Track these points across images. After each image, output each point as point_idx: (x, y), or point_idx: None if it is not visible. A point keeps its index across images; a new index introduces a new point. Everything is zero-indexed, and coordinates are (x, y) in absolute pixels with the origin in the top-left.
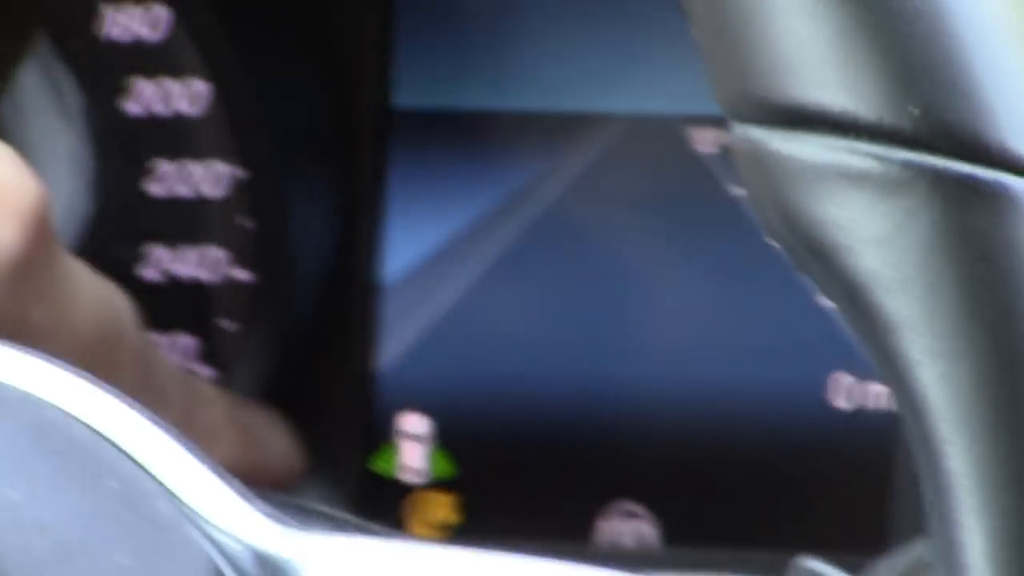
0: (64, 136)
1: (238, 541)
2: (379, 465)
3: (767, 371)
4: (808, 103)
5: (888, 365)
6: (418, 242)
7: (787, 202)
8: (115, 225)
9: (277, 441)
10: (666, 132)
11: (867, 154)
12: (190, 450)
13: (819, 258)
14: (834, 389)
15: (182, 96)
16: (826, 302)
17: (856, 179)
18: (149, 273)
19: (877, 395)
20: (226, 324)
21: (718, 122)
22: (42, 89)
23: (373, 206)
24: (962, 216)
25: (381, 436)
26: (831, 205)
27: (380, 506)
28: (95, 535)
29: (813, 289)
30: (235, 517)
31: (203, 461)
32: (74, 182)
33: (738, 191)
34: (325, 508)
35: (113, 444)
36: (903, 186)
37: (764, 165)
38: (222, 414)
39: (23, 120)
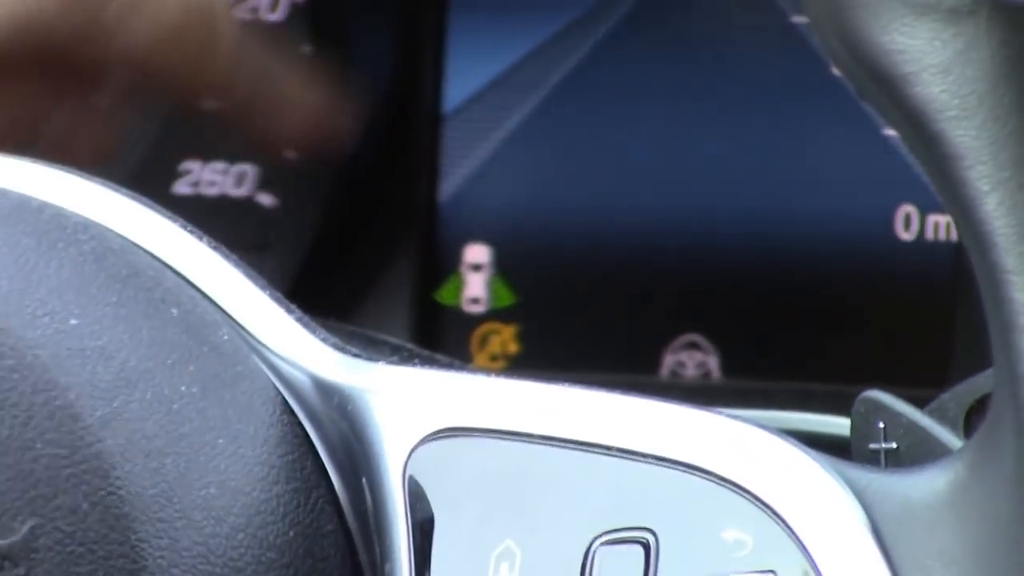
0: None
1: (302, 370)
2: (444, 296)
3: (833, 203)
4: None
5: (952, 195)
6: (479, 70)
7: (851, 30)
8: None
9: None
10: None
11: None
12: (252, 279)
13: (883, 87)
14: (899, 221)
15: None
16: (891, 134)
17: (919, 7)
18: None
19: (941, 227)
20: (286, 152)
21: None
22: None
23: (435, 34)
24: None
25: (446, 267)
26: (895, 33)
27: (443, 336)
28: (158, 363)
29: (879, 121)
30: (299, 346)
31: (265, 289)
32: None
33: (799, 19)
34: (389, 338)
35: (176, 272)
36: (965, 14)
37: None
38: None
39: None
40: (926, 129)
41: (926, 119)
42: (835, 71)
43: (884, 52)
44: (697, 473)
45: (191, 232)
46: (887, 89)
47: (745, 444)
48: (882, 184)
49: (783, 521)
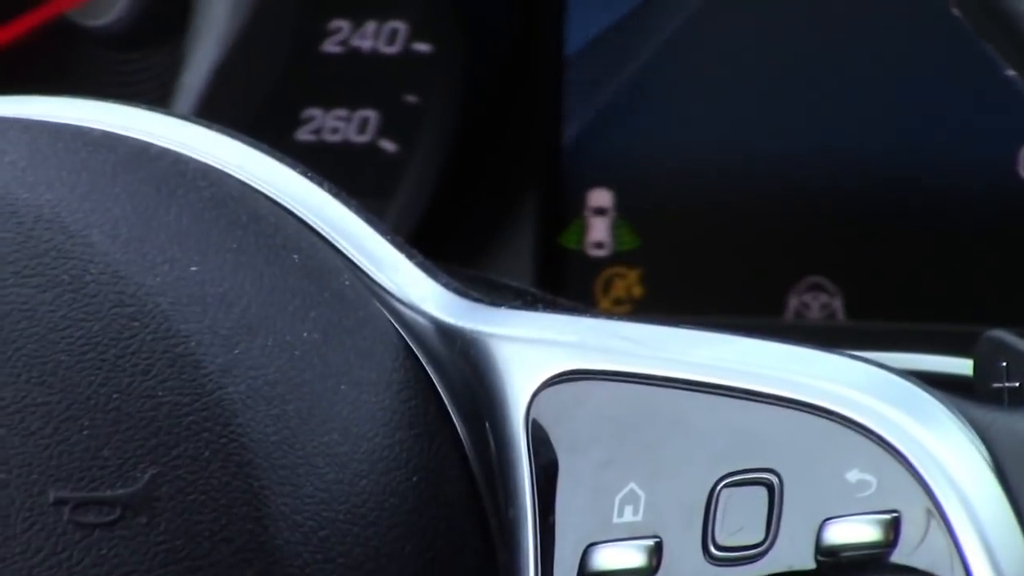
0: None
1: (424, 315)
2: (568, 240)
3: (955, 144)
4: None
5: None
6: (600, 13)
7: None
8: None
9: None
10: None
11: None
12: (373, 224)
13: (1003, 26)
14: (1022, 161)
15: None
16: (1012, 74)
17: None
18: (331, 47)
19: None
20: (408, 97)
21: None
22: None
23: None
24: None
25: (570, 212)
26: None
27: (567, 281)
28: (280, 310)
29: (1000, 61)
30: (421, 291)
31: (386, 235)
32: None
33: None
34: (512, 282)
35: (296, 218)
36: None
37: None
38: None
39: None
40: None
41: None
42: (954, 11)
43: None
44: (820, 414)
45: (311, 178)
46: (1005, 27)
47: (867, 384)
48: (1004, 124)
49: (906, 461)
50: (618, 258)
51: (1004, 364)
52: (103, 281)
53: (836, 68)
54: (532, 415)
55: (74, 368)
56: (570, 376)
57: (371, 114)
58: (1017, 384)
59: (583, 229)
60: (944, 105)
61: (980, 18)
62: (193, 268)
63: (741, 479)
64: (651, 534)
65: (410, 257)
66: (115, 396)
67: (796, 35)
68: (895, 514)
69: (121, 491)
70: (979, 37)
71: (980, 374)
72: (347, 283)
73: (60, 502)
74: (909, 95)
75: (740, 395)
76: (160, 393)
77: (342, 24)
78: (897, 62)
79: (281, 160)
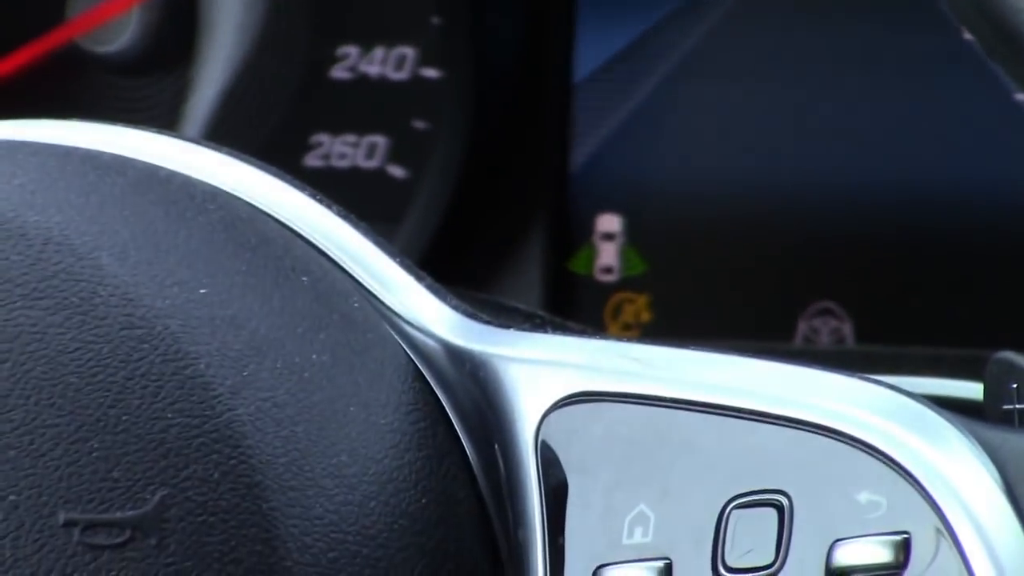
0: None
1: (433, 337)
2: (577, 265)
3: (966, 169)
4: None
5: None
6: (609, 39)
7: None
8: (303, 23)
9: None
10: None
11: None
12: (382, 246)
13: (1013, 48)
14: None
15: None
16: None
17: None
18: (340, 73)
19: None
20: (417, 123)
21: None
22: None
23: (564, 1)
24: None
25: (578, 237)
26: None
27: (576, 305)
28: (289, 332)
29: (1011, 87)
30: (430, 313)
31: (395, 258)
32: None
33: None
34: (520, 305)
35: (305, 240)
36: None
37: None
38: None
39: None
40: None
41: None
42: (967, 36)
43: (1013, 11)
44: (830, 435)
45: (320, 200)
46: (1016, 49)
47: (877, 406)
48: (1014, 150)
49: (916, 482)
50: (627, 283)
51: (1014, 386)
52: (112, 303)
53: (846, 94)
54: (541, 436)
55: (83, 390)
56: (579, 398)
57: (380, 140)
58: None
59: (592, 254)
60: (954, 130)
61: (992, 41)
62: (202, 290)
63: (751, 500)
64: (661, 555)
65: (419, 279)
66: (124, 418)
67: (805, 63)
68: (905, 535)
69: (131, 513)
70: (990, 59)
71: (990, 396)
72: (356, 305)
73: (70, 524)
74: (919, 120)
75: (749, 416)
76: (169, 415)
77: (351, 50)
78: (906, 89)
79: (290, 183)
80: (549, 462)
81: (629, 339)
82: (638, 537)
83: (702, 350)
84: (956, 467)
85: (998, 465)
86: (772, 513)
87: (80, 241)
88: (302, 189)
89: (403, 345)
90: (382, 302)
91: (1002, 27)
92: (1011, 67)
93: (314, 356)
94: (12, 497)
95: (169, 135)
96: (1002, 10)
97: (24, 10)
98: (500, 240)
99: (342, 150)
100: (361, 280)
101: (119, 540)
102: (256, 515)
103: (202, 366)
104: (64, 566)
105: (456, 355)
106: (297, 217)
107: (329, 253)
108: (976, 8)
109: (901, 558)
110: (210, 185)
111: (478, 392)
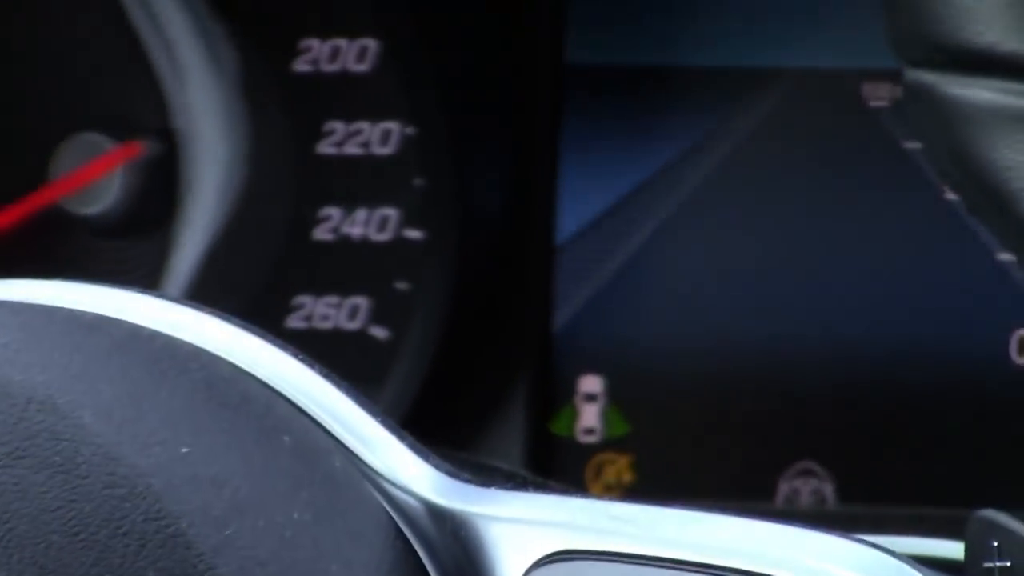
0: (220, 95)
1: (414, 496)
2: (558, 427)
3: (948, 329)
4: (982, 45)
5: None
6: (591, 200)
7: (961, 147)
8: (285, 186)
9: None
10: (838, 87)
11: None
12: (364, 405)
13: (994, 203)
14: (1014, 346)
15: (351, 53)
16: (1006, 258)
17: None
18: (322, 234)
19: None
20: (399, 284)
21: (891, 76)
22: (197, 48)
23: (546, 164)
24: None
25: (561, 398)
26: (1005, 149)
27: (558, 466)
28: (270, 491)
29: (993, 245)
30: (411, 473)
31: (377, 416)
32: (231, 142)
33: (912, 145)
34: (502, 464)
35: (286, 399)
36: None
37: (938, 110)
38: None
39: (180, 79)
40: None
41: None
42: (948, 194)
43: (995, 169)
44: None
45: (302, 360)
46: (998, 206)
47: (860, 564)
48: (997, 309)
49: None
50: (609, 444)
51: (995, 544)
52: (95, 462)
53: (827, 255)
54: None
55: (66, 548)
56: (561, 556)
57: (362, 301)
58: (1008, 563)
59: (574, 415)
60: (936, 288)
61: (975, 198)
62: (184, 449)
63: None
64: None
65: (400, 439)
66: None
67: (786, 222)
68: None
69: None
70: (972, 215)
71: (971, 554)
72: (338, 465)
73: None
74: (901, 280)
75: (731, 574)
76: (151, 573)
77: (333, 211)
78: (888, 246)
79: (271, 342)
80: None
81: (611, 498)
82: None
83: (684, 508)
84: None
85: None
86: None
87: (63, 400)
88: (284, 348)
89: (385, 504)
90: (364, 461)
91: (985, 185)
92: (994, 225)
93: (296, 515)
94: None
95: (152, 295)
96: (985, 167)
97: (7, 171)
98: (482, 401)
99: (324, 311)
100: (342, 439)
101: None
102: None
103: (184, 525)
104: None
105: (438, 514)
106: (279, 376)
107: (311, 412)
108: (959, 165)
109: None
110: (192, 345)
111: (460, 551)
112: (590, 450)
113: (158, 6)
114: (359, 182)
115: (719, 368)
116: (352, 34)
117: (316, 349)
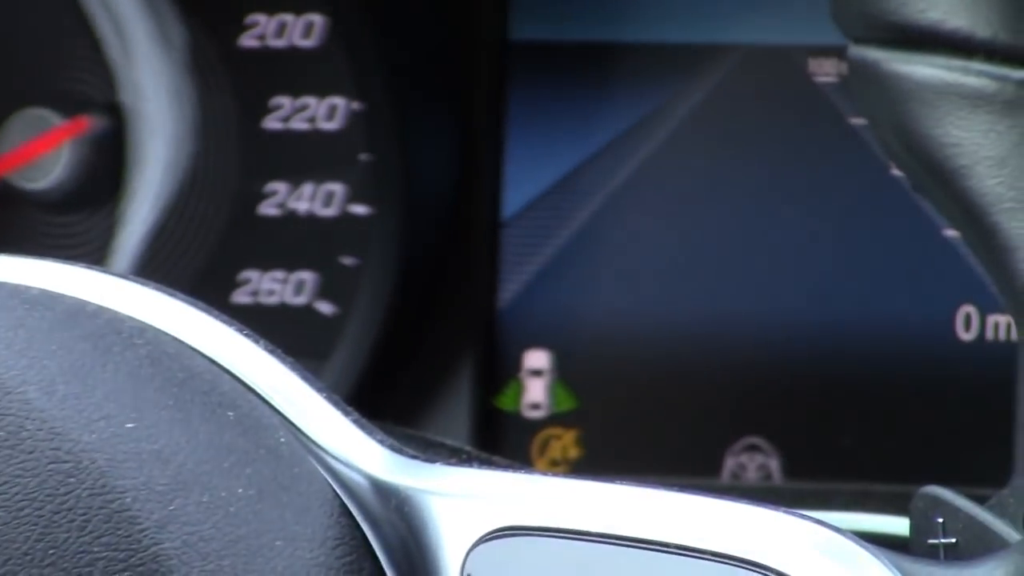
0: (167, 71)
1: (359, 472)
2: (504, 402)
3: (893, 304)
4: (926, 23)
5: (1009, 289)
6: (537, 176)
7: (905, 123)
8: (232, 161)
9: None
10: (784, 62)
11: (984, 74)
12: (308, 381)
13: (938, 180)
14: (959, 321)
15: (297, 28)
16: (951, 234)
17: (973, 99)
18: (268, 209)
19: (1001, 327)
20: (345, 259)
21: (836, 51)
22: (144, 23)
23: (492, 140)
24: None
25: (507, 373)
26: (949, 126)
27: (503, 442)
28: (215, 466)
29: (939, 221)
30: (356, 448)
31: (322, 392)
32: (178, 117)
33: (858, 121)
34: (447, 440)
35: (231, 375)
36: (1020, 106)
37: (882, 86)
38: None
39: (127, 54)
40: (982, 222)
41: (981, 211)
42: (894, 170)
43: (939, 145)
44: (757, 570)
45: (247, 335)
46: (943, 182)
47: (804, 540)
48: (942, 285)
49: None
50: (555, 419)
51: (940, 520)
52: (40, 437)
53: (771, 230)
54: (467, 571)
55: (10, 524)
56: (504, 532)
57: (308, 276)
58: (954, 540)
59: (519, 390)
60: (882, 265)
61: (917, 172)
62: (129, 425)
63: None
64: None
65: (345, 414)
66: (51, 552)
67: (733, 198)
68: None
69: None
70: (916, 192)
71: (916, 530)
72: (283, 440)
73: None
74: (847, 255)
75: (675, 551)
76: (96, 548)
77: (279, 186)
78: (835, 222)
79: (217, 317)
80: None
81: (555, 474)
82: None
83: (627, 484)
84: None
85: None
86: None
87: (7, 375)
88: (229, 324)
89: (329, 480)
90: (308, 437)
91: (929, 161)
92: (938, 202)
93: (240, 490)
94: None
95: (97, 270)
96: (929, 144)
97: None
98: (428, 376)
99: (270, 287)
100: (287, 415)
101: None
102: None
103: (128, 500)
104: None
105: (382, 490)
106: (224, 352)
107: (256, 388)
108: (903, 142)
109: None
110: (137, 320)
111: (404, 527)
112: (536, 425)
113: None
114: (305, 157)
115: (666, 343)
116: (298, 10)
117: (262, 324)
